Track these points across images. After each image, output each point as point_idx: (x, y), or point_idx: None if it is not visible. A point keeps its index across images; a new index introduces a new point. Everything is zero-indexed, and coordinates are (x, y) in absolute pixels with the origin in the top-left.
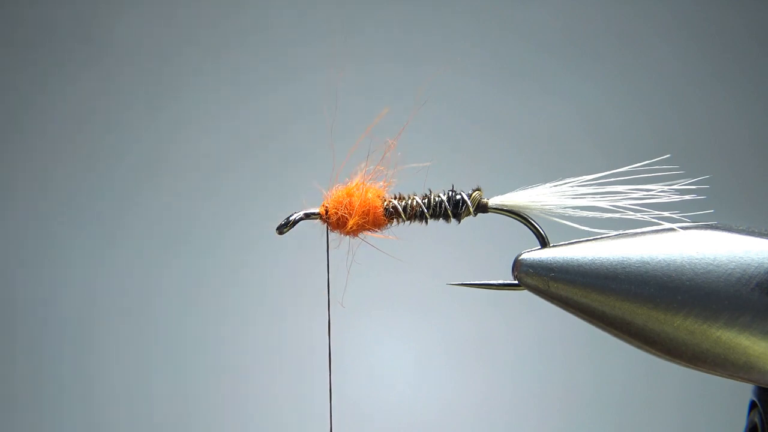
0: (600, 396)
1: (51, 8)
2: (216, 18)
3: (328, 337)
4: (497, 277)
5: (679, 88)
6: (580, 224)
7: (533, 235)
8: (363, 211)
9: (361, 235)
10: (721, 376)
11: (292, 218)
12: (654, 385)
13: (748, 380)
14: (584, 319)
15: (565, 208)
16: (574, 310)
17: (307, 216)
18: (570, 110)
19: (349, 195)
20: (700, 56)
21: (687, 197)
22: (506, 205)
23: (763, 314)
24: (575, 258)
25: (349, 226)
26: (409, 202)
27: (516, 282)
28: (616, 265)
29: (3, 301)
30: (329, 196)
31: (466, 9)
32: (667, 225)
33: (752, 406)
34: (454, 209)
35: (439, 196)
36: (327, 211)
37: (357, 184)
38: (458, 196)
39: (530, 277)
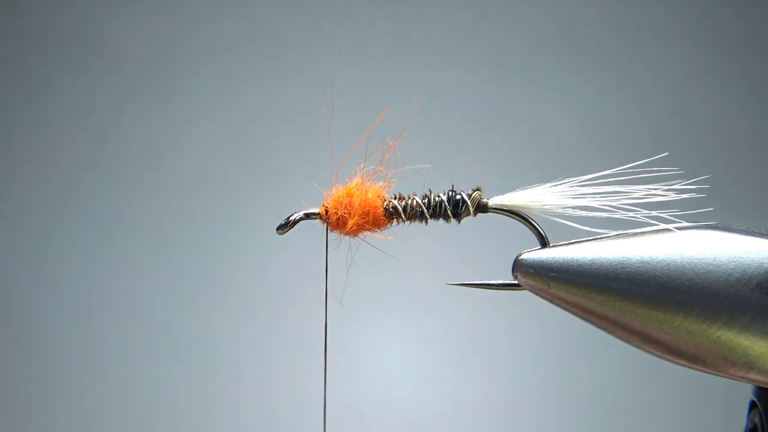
0: (599, 396)
1: (50, 7)
2: (214, 18)
3: (324, 337)
4: (497, 277)
5: (679, 88)
6: (580, 224)
7: (533, 235)
8: (363, 211)
9: (360, 235)
10: (721, 376)
11: (291, 218)
12: (654, 385)
13: (748, 380)
14: (584, 319)
15: (565, 208)
16: (574, 310)
17: (307, 216)
18: (569, 110)
19: (349, 195)
20: (699, 56)
21: (686, 197)
22: (506, 205)
23: (763, 314)
24: (575, 258)
25: (349, 226)
26: (409, 202)
27: (516, 282)
28: (616, 265)
29: (2, 300)
30: (329, 196)
31: (465, 9)
32: (667, 225)
33: (752, 406)
34: (454, 209)
35: (439, 196)
36: (327, 211)
37: (357, 184)
38: (458, 196)
39: (530, 277)
